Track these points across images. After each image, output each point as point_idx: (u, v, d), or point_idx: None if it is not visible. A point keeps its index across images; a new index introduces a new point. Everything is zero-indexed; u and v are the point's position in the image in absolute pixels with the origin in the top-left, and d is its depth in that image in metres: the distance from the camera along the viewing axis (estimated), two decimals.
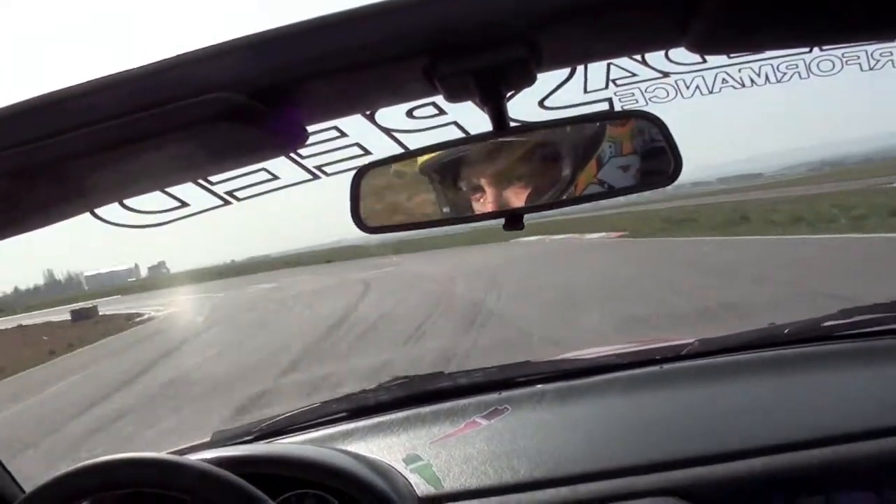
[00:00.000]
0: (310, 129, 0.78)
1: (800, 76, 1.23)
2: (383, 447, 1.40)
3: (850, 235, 13.60)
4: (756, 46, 0.90)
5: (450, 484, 1.24)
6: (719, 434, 1.26)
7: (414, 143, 0.89)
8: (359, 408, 1.59)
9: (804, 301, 6.94)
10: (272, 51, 0.65)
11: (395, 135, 0.91)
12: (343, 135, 0.89)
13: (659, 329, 6.76)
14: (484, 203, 0.80)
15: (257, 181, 0.89)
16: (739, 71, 1.20)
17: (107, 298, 40.66)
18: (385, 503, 1.17)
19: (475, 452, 1.31)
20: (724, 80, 1.22)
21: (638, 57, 0.99)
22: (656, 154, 0.78)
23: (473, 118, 0.82)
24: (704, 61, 1.11)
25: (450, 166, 0.81)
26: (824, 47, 1.14)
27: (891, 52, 1.24)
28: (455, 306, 11.67)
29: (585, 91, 1.01)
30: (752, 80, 1.22)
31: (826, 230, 15.50)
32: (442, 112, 0.90)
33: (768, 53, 1.15)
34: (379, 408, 1.57)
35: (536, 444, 1.31)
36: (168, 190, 0.85)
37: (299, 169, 0.91)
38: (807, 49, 1.14)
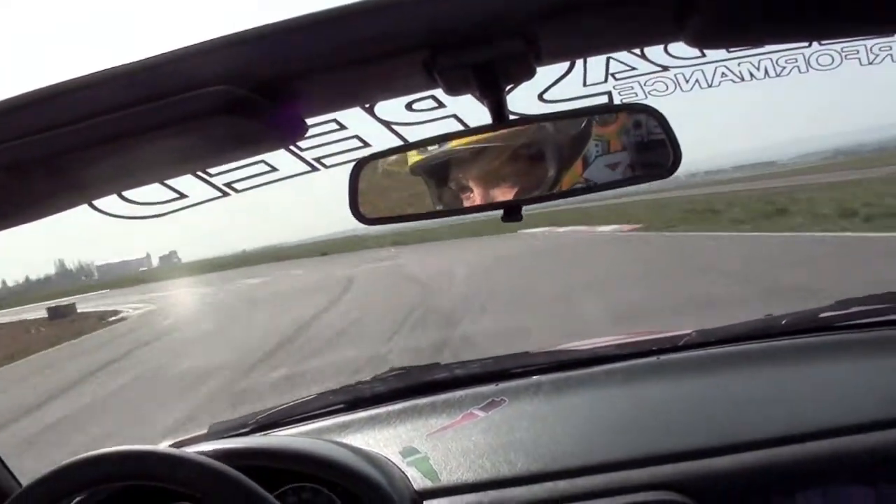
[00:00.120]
0: (309, 121, 0.78)
1: (799, 70, 1.23)
2: (380, 439, 1.40)
3: None
4: (754, 41, 0.90)
5: (446, 477, 1.25)
6: (716, 426, 1.26)
7: (413, 136, 0.89)
8: (355, 399, 1.59)
9: None
10: (272, 45, 0.65)
11: (395, 128, 0.91)
12: (342, 127, 0.89)
13: None
14: (482, 195, 0.80)
15: (256, 173, 0.89)
16: (738, 65, 1.21)
17: (89, 294, 39.57)
18: (382, 497, 1.17)
19: (472, 445, 1.32)
20: (723, 73, 1.22)
21: (637, 51, 1.00)
22: (655, 147, 0.79)
23: (473, 111, 0.82)
24: (703, 55, 1.11)
25: (448, 159, 0.81)
26: (823, 42, 1.14)
27: (890, 47, 1.24)
28: (428, 322, 9.73)
29: (585, 84, 1.01)
30: (751, 74, 1.23)
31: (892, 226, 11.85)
32: (441, 105, 0.90)
33: (767, 48, 1.15)
34: (376, 399, 1.57)
35: (533, 437, 1.31)
36: (167, 182, 0.85)
37: (298, 161, 0.91)
38: (806, 43, 1.14)
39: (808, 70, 1.22)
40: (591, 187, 0.80)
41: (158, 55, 0.66)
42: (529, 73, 0.72)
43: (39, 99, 0.67)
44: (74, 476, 1.00)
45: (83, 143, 0.66)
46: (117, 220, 0.88)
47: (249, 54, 0.65)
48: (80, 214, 0.87)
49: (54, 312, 24.55)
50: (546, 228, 25.59)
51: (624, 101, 1.11)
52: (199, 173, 0.86)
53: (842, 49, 1.21)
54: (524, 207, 0.80)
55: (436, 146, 0.81)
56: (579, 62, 0.93)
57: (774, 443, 1.17)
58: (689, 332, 1.61)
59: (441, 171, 0.82)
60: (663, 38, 0.78)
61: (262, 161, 0.88)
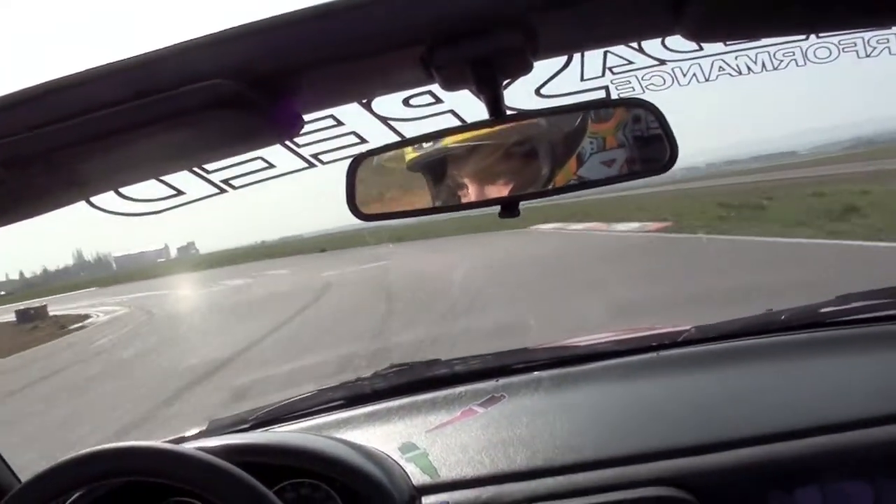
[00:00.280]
0: (306, 117, 0.78)
1: (796, 63, 1.23)
2: (379, 436, 1.40)
3: None
4: (752, 34, 0.90)
5: (446, 473, 1.25)
6: (715, 422, 1.26)
7: (410, 131, 0.89)
8: (355, 395, 1.59)
9: None
10: (268, 39, 0.65)
11: (392, 123, 0.91)
12: (339, 123, 0.89)
13: None
14: (479, 191, 0.80)
15: (253, 169, 0.89)
16: (736, 58, 1.21)
17: (80, 291, 38.12)
18: (381, 493, 1.17)
19: (471, 441, 1.32)
20: (720, 67, 1.22)
21: (634, 45, 1.00)
22: (652, 142, 0.79)
23: (470, 106, 0.81)
24: (700, 49, 1.11)
25: (444, 155, 0.81)
26: (820, 34, 1.14)
27: (887, 39, 1.24)
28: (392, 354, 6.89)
29: (582, 79, 1.01)
30: (748, 68, 1.23)
31: None
32: (438, 100, 0.90)
33: (764, 41, 1.15)
34: (375, 395, 1.57)
35: (533, 433, 1.31)
36: (164, 178, 0.85)
37: (295, 157, 0.91)
38: (803, 36, 1.14)
39: (805, 63, 1.22)
40: (587, 183, 0.80)
41: (155, 50, 0.66)
42: (526, 68, 0.72)
43: (35, 95, 0.67)
44: (74, 472, 1.00)
45: (80, 138, 0.66)
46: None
47: (245, 49, 0.65)
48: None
49: (22, 316, 22.40)
50: (561, 225, 21.67)
51: (621, 95, 1.11)
52: (196, 169, 0.86)
53: (839, 42, 1.21)
54: (521, 203, 0.80)
55: (432, 142, 0.81)
56: (576, 57, 0.93)
57: (774, 438, 1.17)
58: (688, 327, 1.61)
59: (438, 168, 0.81)
60: (661, 31, 0.78)
61: (259, 157, 0.88)
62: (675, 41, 0.92)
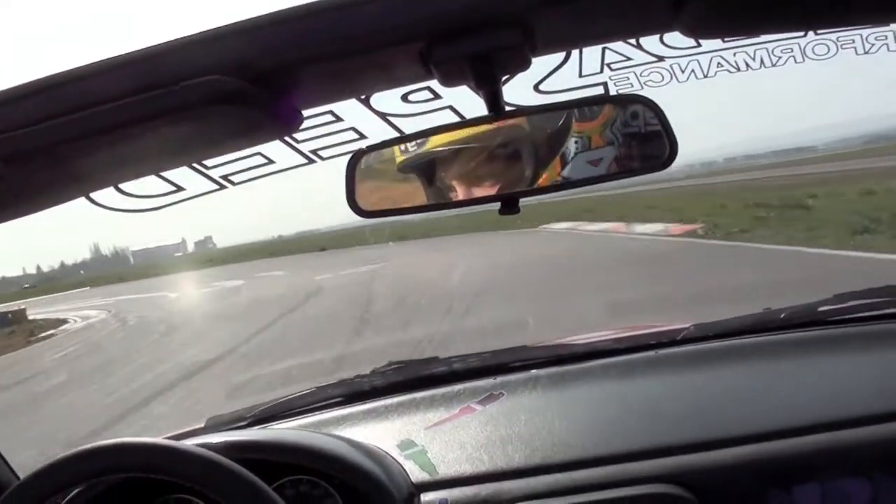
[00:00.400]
0: (306, 113, 0.78)
1: (795, 60, 1.23)
2: (378, 433, 1.40)
3: None
4: (750, 30, 0.90)
5: (444, 470, 1.25)
6: (714, 420, 1.26)
7: (409, 127, 0.89)
8: (354, 393, 1.59)
9: None
10: (268, 35, 0.65)
11: (391, 119, 0.91)
12: (338, 119, 0.89)
13: None
14: (478, 188, 0.81)
15: (252, 165, 0.89)
16: (734, 55, 1.20)
17: (73, 291, 37.64)
18: (379, 490, 1.18)
19: (470, 438, 1.32)
20: (719, 64, 1.22)
21: (633, 41, 1.00)
22: (651, 138, 0.79)
23: (469, 103, 0.82)
24: (699, 45, 1.11)
25: (441, 153, 0.81)
26: (818, 31, 1.14)
27: (885, 36, 1.24)
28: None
29: (580, 75, 1.01)
30: (746, 65, 1.23)
31: None
32: (437, 96, 0.90)
33: (763, 38, 1.15)
34: (374, 392, 1.57)
35: (531, 430, 1.31)
36: (164, 174, 0.85)
37: (295, 153, 0.91)
38: (801, 33, 1.14)
39: (804, 60, 1.22)
40: (586, 180, 0.80)
41: (154, 45, 0.66)
42: (525, 64, 0.72)
43: (36, 89, 0.67)
44: (73, 468, 1.00)
45: (80, 133, 0.66)
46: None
47: (245, 45, 0.65)
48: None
49: (0, 320, 21.27)
50: (575, 224, 19.75)
51: (619, 91, 1.11)
52: (196, 165, 0.86)
53: (837, 38, 1.21)
54: (521, 200, 0.81)
55: (419, 144, 0.81)
56: (575, 53, 0.93)
57: (772, 436, 1.17)
58: (687, 326, 1.61)
59: (435, 166, 0.82)
60: (659, 27, 0.78)
61: (259, 153, 0.88)
62: (674, 38, 0.93)
